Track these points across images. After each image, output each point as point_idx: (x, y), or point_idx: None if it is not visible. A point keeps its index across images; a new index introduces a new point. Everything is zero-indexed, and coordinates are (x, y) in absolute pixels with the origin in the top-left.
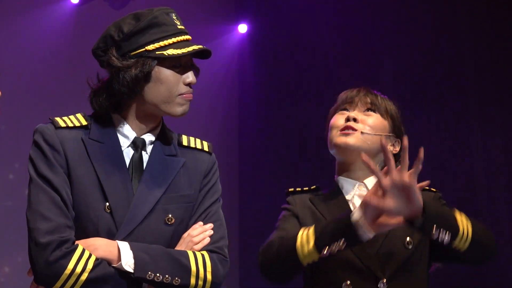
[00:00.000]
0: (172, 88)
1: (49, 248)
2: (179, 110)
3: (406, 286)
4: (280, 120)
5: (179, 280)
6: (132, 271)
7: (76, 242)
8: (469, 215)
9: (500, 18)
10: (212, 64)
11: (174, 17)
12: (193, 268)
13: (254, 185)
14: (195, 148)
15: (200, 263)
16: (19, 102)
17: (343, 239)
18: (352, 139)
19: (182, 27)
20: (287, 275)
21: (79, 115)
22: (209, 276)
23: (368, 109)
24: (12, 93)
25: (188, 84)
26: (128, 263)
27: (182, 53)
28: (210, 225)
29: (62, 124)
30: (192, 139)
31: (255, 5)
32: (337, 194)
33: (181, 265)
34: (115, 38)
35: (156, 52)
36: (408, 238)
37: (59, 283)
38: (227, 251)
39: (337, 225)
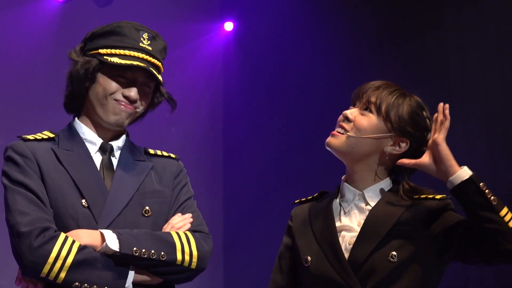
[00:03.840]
0: (108, 90)
1: (32, 235)
2: (112, 118)
3: None
4: (266, 119)
5: (166, 255)
6: (117, 249)
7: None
8: None
9: None
10: (197, 62)
11: (144, 36)
12: (178, 244)
13: (239, 187)
14: (162, 156)
15: (184, 240)
16: (2, 99)
17: None
18: (334, 141)
19: (147, 47)
20: None
21: (45, 131)
22: (195, 251)
23: (366, 108)
24: None
25: (127, 98)
26: (113, 243)
27: (120, 63)
28: (189, 215)
29: (31, 138)
30: (158, 150)
31: (242, 2)
32: (329, 201)
33: (166, 241)
34: (86, 37)
35: (104, 56)
36: (393, 252)
37: (46, 268)
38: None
39: None
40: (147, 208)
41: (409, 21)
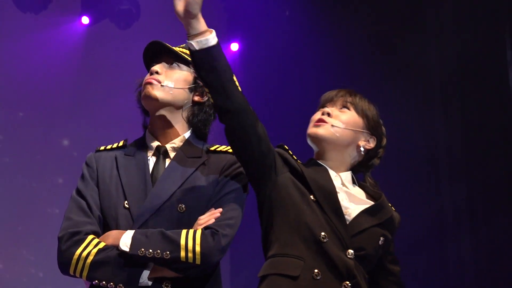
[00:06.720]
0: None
1: (63, 240)
2: (142, 95)
3: (365, 270)
4: (270, 139)
5: (169, 254)
6: (128, 250)
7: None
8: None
9: None
10: None
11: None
12: (182, 242)
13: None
14: (220, 151)
15: (190, 238)
16: (32, 118)
17: None
18: (321, 130)
19: (179, 47)
20: None
21: (121, 141)
22: (197, 248)
23: (344, 107)
24: (25, 110)
25: (151, 73)
26: (126, 243)
27: (143, 55)
28: (220, 210)
29: (102, 148)
30: (221, 146)
31: (247, 23)
32: (324, 169)
33: (171, 240)
34: None
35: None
36: (382, 238)
37: (71, 268)
38: (229, 228)
39: None
40: (182, 205)
41: (395, 37)
